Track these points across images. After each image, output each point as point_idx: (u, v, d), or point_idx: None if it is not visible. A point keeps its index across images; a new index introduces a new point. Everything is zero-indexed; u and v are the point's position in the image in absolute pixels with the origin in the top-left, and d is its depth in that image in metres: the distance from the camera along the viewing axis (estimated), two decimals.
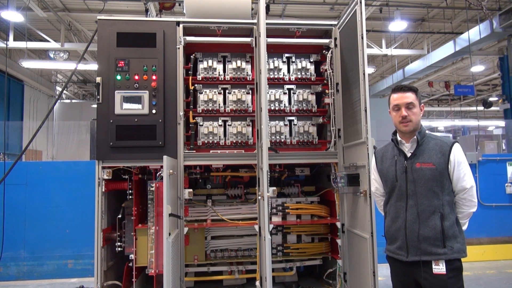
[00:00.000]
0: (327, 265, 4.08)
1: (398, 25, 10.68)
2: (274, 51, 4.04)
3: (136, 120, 3.46)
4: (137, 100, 3.49)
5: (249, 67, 4.01)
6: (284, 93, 4.03)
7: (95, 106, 3.57)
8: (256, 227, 3.56)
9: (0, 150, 7.88)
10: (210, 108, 3.90)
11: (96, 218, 3.40)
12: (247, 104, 3.96)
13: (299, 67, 4.07)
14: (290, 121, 4.02)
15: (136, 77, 3.52)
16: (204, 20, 3.75)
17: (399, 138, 2.44)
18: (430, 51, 12.47)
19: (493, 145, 11.16)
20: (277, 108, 3.99)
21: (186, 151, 3.64)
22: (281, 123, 3.99)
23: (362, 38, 3.16)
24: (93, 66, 11.91)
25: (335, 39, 3.87)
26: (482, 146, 10.75)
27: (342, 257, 3.70)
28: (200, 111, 3.89)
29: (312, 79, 4.07)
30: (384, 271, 6.12)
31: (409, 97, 2.37)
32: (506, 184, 6.63)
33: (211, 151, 3.78)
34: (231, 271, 3.94)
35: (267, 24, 3.20)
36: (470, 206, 2.32)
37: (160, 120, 3.48)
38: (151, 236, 3.25)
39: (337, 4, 10.42)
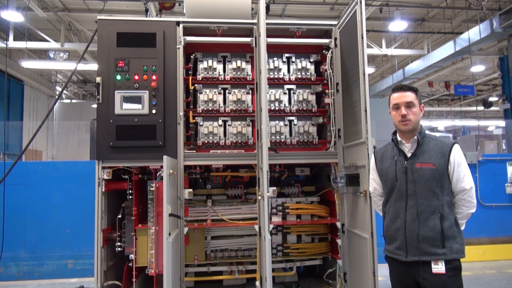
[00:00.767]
0: (327, 265, 4.08)
1: (398, 25, 10.68)
2: (274, 51, 4.04)
3: (136, 120, 3.46)
4: (137, 100, 3.49)
5: (249, 67, 4.01)
6: (284, 93, 4.03)
7: (95, 106, 3.57)
8: (256, 227, 3.56)
9: (0, 150, 7.88)
10: (210, 108, 3.90)
11: (96, 218, 3.40)
12: (247, 104, 3.96)
13: (299, 67, 4.07)
14: (290, 121, 4.02)
15: (136, 77, 3.52)
16: (204, 20, 3.75)
17: (399, 138, 2.44)
18: (430, 51, 12.46)
19: (493, 145, 11.16)
20: (277, 108, 3.99)
21: (186, 151, 3.64)
22: (281, 123, 3.99)
23: (362, 38, 3.16)
24: (93, 66, 11.91)
25: (335, 39, 3.87)
26: (482, 146, 10.75)
27: (342, 257, 3.70)
28: (200, 111, 3.89)
29: (312, 79, 4.07)
30: (384, 271, 6.12)
31: (409, 96, 2.38)
32: (506, 184, 6.63)
33: (211, 151, 3.78)
34: (231, 271, 3.94)
35: (267, 24, 3.20)
36: (469, 207, 2.32)
37: (160, 120, 3.48)
38: (151, 236, 3.25)
39: (337, 4, 10.42)
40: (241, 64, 3.97)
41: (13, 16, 9.30)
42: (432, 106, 21.13)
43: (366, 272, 3.09)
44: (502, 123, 16.73)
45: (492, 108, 16.13)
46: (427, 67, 12.49)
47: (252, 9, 3.99)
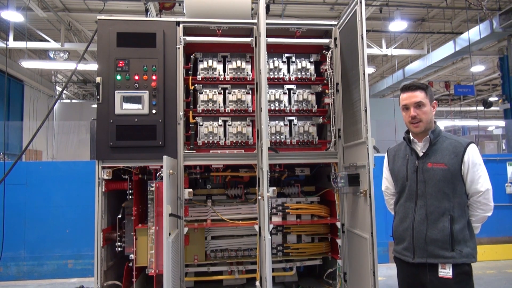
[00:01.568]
0: (327, 265, 4.08)
1: (398, 25, 10.68)
2: (274, 51, 4.04)
3: (136, 120, 3.46)
4: (137, 100, 3.49)
5: (249, 67, 4.01)
6: (284, 93, 4.03)
7: (95, 106, 3.57)
8: (256, 227, 3.56)
9: (0, 150, 7.88)
10: (210, 108, 3.90)
11: (96, 218, 3.40)
12: (247, 104, 3.96)
13: (299, 67, 4.07)
14: (290, 121, 4.02)
15: (136, 77, 3.51)
16: (204, 20, 3.75)
17: (411, 137, 2.37)
18: (430, 51, 12.47)
19: (493, 145, 11.18)
20: (277, 108, 3.99)
21: (186, 151, 3.64)
22: (281, 123, 3.99)
23: (362, 38, 3.16)
24: (93, 66, 11.91)
25: (335, 39, 3.87)
26: (482, 146, 10.76)
27: (342, 257, 3.70)
28: (200, 111, 3.89)
29: (312, 79, 4.07)
30: (384, 271, 6.13)
31: (418, 96, 2.28)
32: (506, 184, 6.64)
33: (211, 151, 3.78)
34: (231, 271, 3.94)
35: (267, 24, 3.20)
36: (485, 210, 2.22)
37: (160, 120, 3.48)
38: (151, 236, 3.25)
39: (337, 4, 10.43)
40: (241, 64, 3.97)
41: (13, 16, 9.30)
42: None
43: (366, 272, 3.09)
44: (502, 123, 16.73)
45: (492, 108, 16.12)
46: (427, 67, 12.50)
47: (252, 9, 3.99)
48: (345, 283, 3.65)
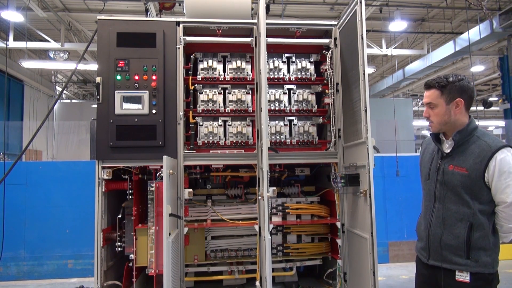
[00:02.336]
0: (327, 265, 4.08)
1: (398, 25, 10.68)
2: (274, 51, 4.04)
3: (136, 120, 3.46)
4: (137, 100, 3.49)
5: (249, 67, 4.01)
6: (284, 93, 4.03)
7: (95, 106, 3.58)
8: (256, 227, 3.56)
9: (0, 150, 7.88)
10: (210, 108, 3.90)
11: (96, 218, 3.40)
12: (247, 104, 3.96)
13: (299, 67, 4.07)
14: (290, 121, 4.02)
15: (136, 77, 3.51)
16: (204, 20, 3.75)
17: (440, 134, 2.23)
18: (430, 51, 12.47)
19: None
20: (277, 108, 3.99)
21: (186, 151, 3.64)
22: (281, 123, 3.99)
23: (362, 38, 3.16)
24: (93, 66, 11.92)
25: (335, 39, 3.87)
26: None
27: (342, 257, 3.70)
28: (200, 111, 3.89)
29: (312, 79, 4.07)
30: (384, 271, 6.13)
31: (429, 96, 2.17)
32: None
33: (211, 151, 3.78)
34: (231, 271, 3.94)
35: (267, 24, 3.20)
36: (510, 221, 2.05)
37: (160, 120, 3.48)
38: (151, 236, 3.25)
39: (337, 4, 10.43)
40: (241, 64, 3.97)
41: (13, 16, 9.30)
42: None
43: (366, 272, 3.09)
44: (502, 123, 16.73)
45: (492, 108, 16.10)
46: (427, 67, 12.50)
47: (252, 9, 3.99)
48: (345, 283, 3.65)
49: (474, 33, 10.21)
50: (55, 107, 13.65)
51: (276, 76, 4.03)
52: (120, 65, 3.51)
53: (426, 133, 24.06)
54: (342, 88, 3.75)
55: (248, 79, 3.98)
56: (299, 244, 4.05)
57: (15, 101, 13.01)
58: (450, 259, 2.09)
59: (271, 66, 4.03)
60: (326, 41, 3.93)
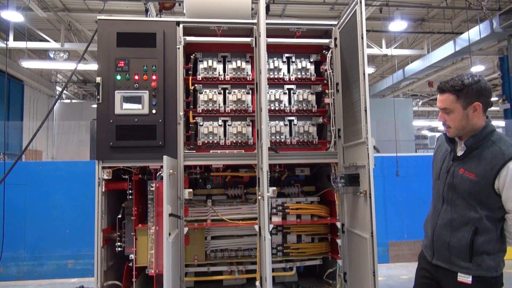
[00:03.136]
0: (327, 265, 4.08)
1: (398, 25, 10.68)
2: (274, 51, 4.04)
3: (136, 120, 3.46)
4: (137, 100, 3.49)
5: (249, 67, 4.01)
6: (284, 93, 4.03)
7: (95, 106, 3.57)
8: (256, 227, 3.56)
9: (0, 150, 7.88)
10: (210, 108, 3.90)
11: (96, 218, 3.40)
12: (247, 104, 3.96)
13: (299, 67, 4.07)
14: (290, 121, 4.02)
15: (136, 77, 3.52)
16: (204, 20, 3.75)
17: None
18: (430, 51, 12.47)
19: None
20: (277, 108, 3.99)
21: (186, 151, 3.64)
22: (281, 123, 3.99)
23: (362, 38, 3.16)
24: (93, 66, 11.92)
25: (335, 39, 3.87)
26: None
27: (342, 257, 3.70)
28: (200, 111, 3.89)
29: (312, 79, 4.07)
30: (384, 271, 6.12)
31: (444, 100, 2.06)
32: None
33: (211, 151, 3.78)
34: (231, 271, 3.94)
35: (267, 24, 3.20)
36: None
37: (160, 120, 3.48)
38: (151, 236, 3.25)
39: (337, 4, 10.43)
40: (241, 64, 3.97)
41: (13, 16, 9.30)
42: (432, 106, 21.11)
43: (366, 272, 3.09)
44: (502, 123, 16.71)
45: (492, 108, 16.11)
46: (427, 67, 12.50)
47: (252, 9, 3.99)
48: (345, 283, 3.65)
49: (474, 33, 10.22)
50: (55, 107, 13.65)
51: (276, 76, 4.03)
52: (120, 65, 3.51)
53: (426, 133, 24.08)
54: (342, 88, 3.75)
55: (248, 79, 3.98)
56: (299, 244, 4.05)
57: (15, 101, 13.02)
58: (452, 260, 2.09)
59: (271, 66, 4.03)
60: (326, 41, 3.93)
